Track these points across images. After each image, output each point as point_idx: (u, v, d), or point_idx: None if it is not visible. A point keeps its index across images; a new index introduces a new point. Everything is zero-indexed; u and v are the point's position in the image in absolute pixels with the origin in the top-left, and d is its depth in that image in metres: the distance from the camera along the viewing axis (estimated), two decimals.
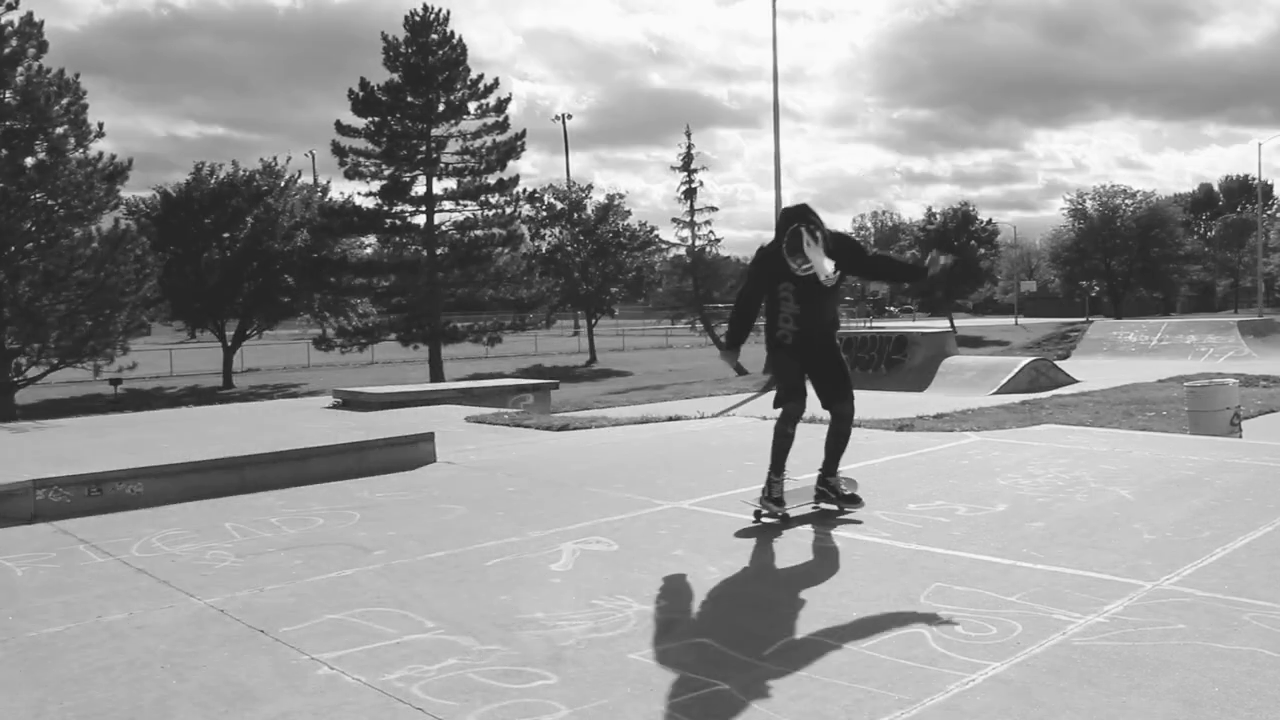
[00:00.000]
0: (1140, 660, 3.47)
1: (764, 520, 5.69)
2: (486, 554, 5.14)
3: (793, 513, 5.77)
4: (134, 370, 27.88)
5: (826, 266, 5.41)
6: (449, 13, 38.62)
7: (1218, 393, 10.93)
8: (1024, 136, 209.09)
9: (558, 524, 5.75)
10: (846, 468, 7.35)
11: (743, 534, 5.45)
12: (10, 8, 24.76)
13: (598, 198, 54.41)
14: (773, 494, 5.75)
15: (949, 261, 5.97)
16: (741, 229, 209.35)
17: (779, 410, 5.83)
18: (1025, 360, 19.77)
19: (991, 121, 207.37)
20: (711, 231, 39.20)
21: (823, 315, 5.77)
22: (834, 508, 5.87)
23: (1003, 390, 17.87)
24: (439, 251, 38.31)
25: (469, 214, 39.14)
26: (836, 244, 5.61)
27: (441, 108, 38.30)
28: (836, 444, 5.92)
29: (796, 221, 5.47)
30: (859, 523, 5.62)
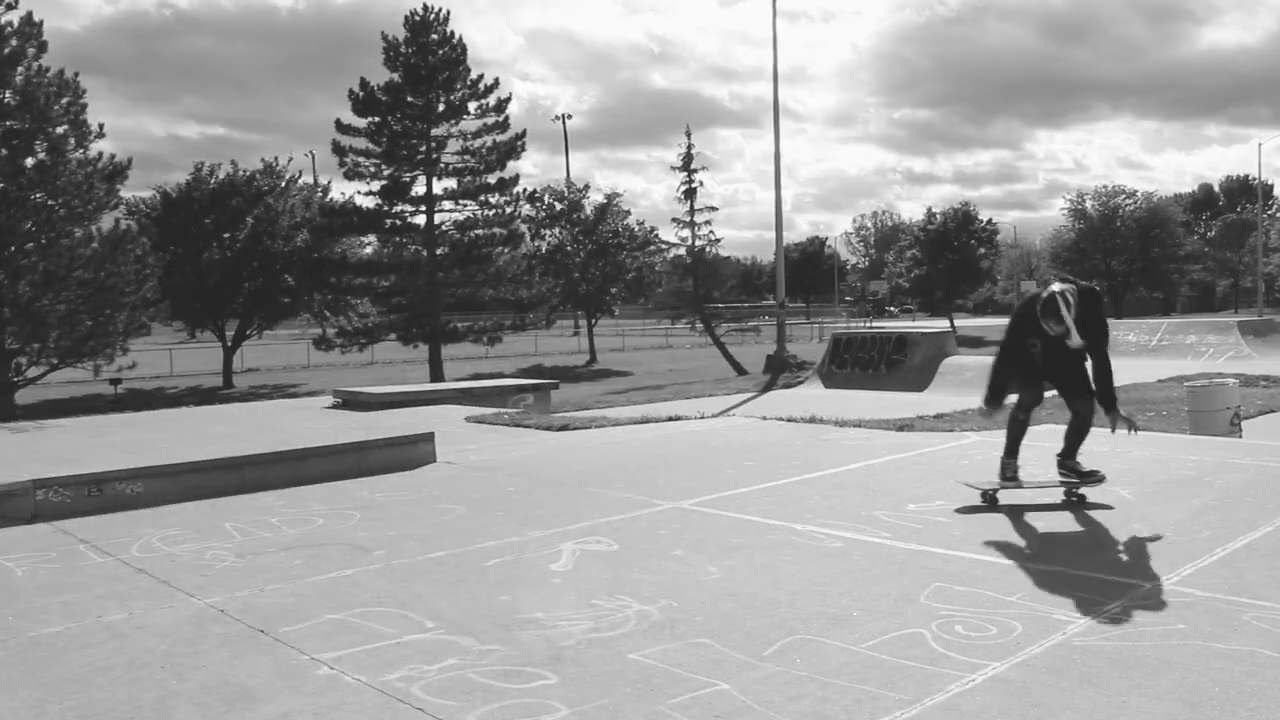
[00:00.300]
0: (1140, 660, 3.47)
1: (997, 498, 6.01)
2: (486, 554, 5.14)
3: (1027, 487, 6.14)
4: (134, 370, 27.86)
5: (1077, 339, 5.85)
6: (449, 13, 38.60)
7: (1218, 393, 10.93)
8: (1024, 136, 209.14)
9: (558, 524, 5.75)
10: (847, 467, 7.38)
11: (743, 534, 5.44)
12: (10, 7, 24.75)
13: (596, 197, 54.39)
14: (1007, 475, 6.20)
15: (1129, 429, 6.07)
16: (742, 229, 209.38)
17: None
18: None
19: (992, 121, 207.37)
20: (712, 231, 39.07)
21: (1067, 365, 6.12)
22: (1074, 481, 6.15)
23: None
24: (439, 251, 38.29)
25: (469, 214, 39.13)
26: (1082, 306, 5.90)
27: (441, 108, 38.28)
28: (1074, 435, 6.25)
29: (1057, 297, 5.86)
30: (863, 524, 5.62)
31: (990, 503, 6.00)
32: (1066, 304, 5.80)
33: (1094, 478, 6.14)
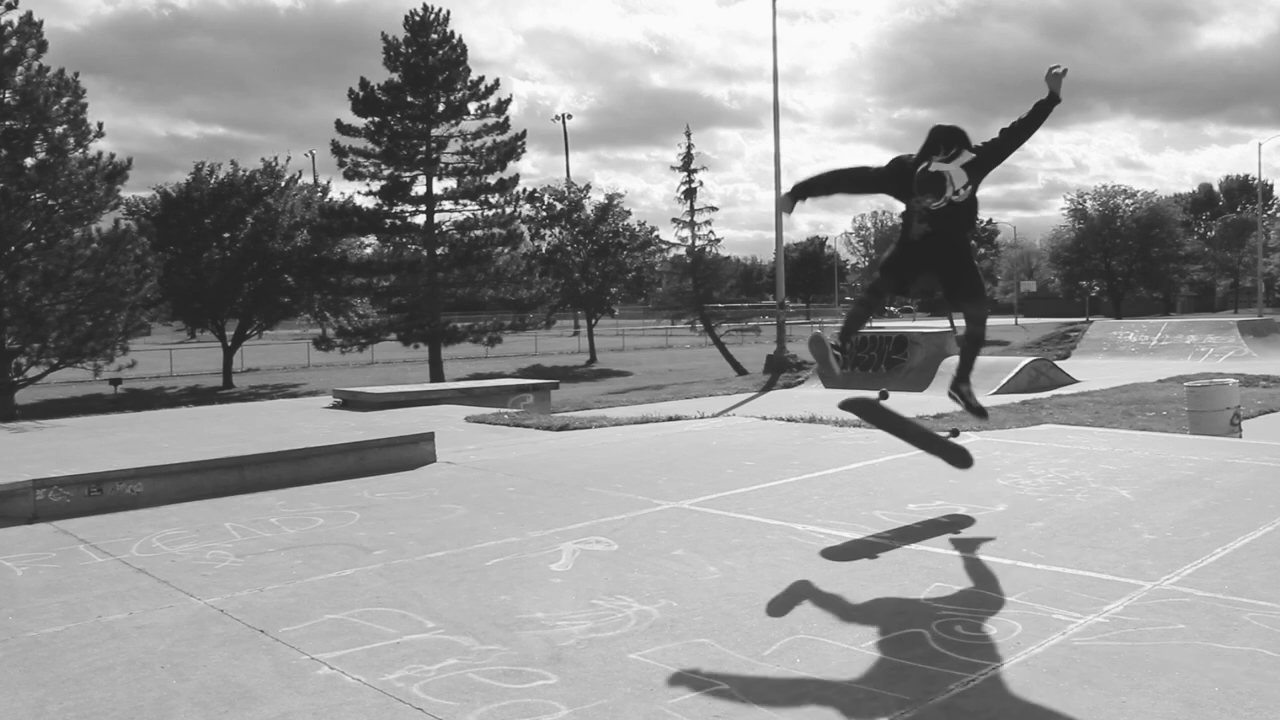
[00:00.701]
0: (1140, 660, 3.47)
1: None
2: (486, 554, 5.14)
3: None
4: (134, 370, 27.86)
5: (958, 181, 5.34)
6: (449, 13, 38.63)
7: (1218, 393, 10.93)
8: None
9: (558, 524, 5.75)
10: (847, 467, 7.37)
11: (743, 534, 5.44)
12: (10, 7, 24.77)
13: (596, 197, 54.38)
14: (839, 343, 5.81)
15: (1062, 69, 5.66)
16: (742, 229, 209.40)
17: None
18: (1025, 360, 19.79)
19: (992, 121, 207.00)
20: (711, 231, 39.11)
21: (957, 225, 5.55)
22: (959, 408, 5.90)
23: (1003, 390, 17.87)
24: (439, 251, 38.31)
25: (469, 214, 39.16)
26: (976, 158, 5.45)
27: (441, 108, 38.30)
28: (970, 348, 5.90)
29: (940, 147, 5.41)
30: (859, 522, 5.62)
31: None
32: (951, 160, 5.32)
33: (981, 415, 5.97)
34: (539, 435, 9.62)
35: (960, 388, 5.93)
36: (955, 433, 6.07)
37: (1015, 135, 5.61)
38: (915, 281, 5.83)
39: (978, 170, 5.47)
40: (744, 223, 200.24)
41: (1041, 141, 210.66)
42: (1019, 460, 7.49)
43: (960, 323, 5.81)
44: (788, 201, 5.81)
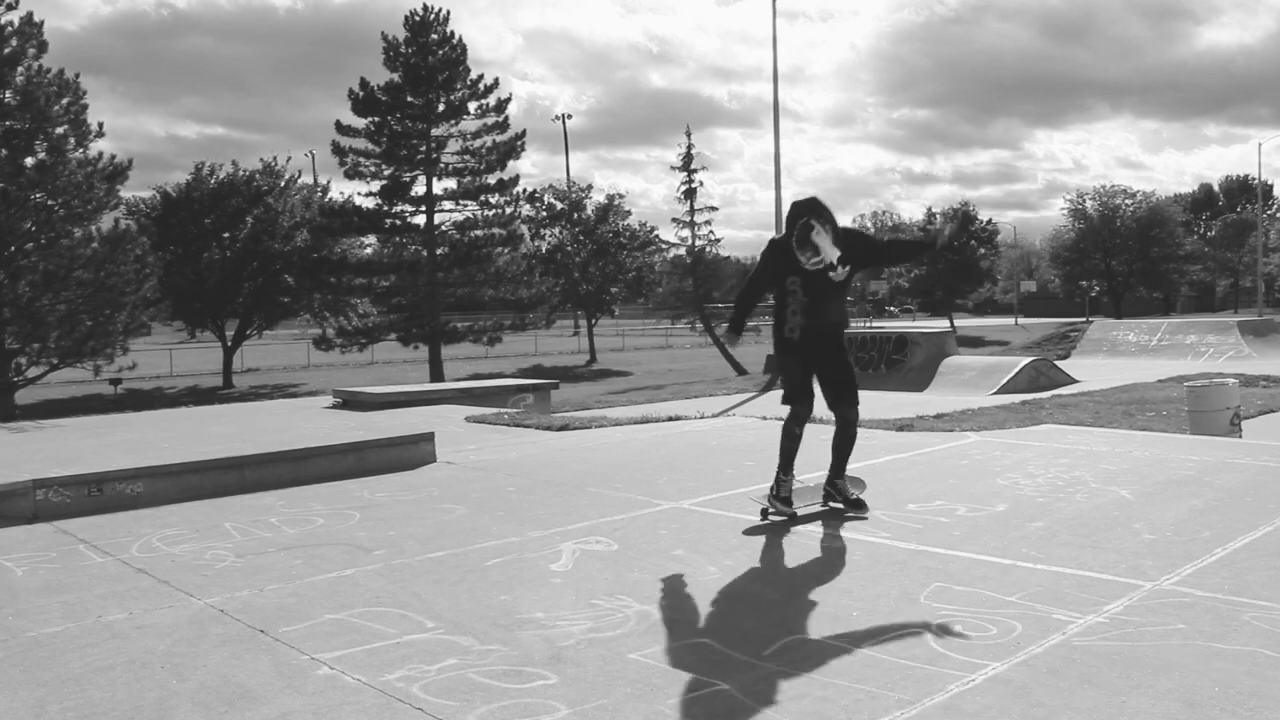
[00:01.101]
0: (1140, 660, 3.47)
1: (771, 519, 5.70)
2: (486, 554, 5.14)
3: (800, 512, 5.77)
4: (134, 370, 27.86)
5: (833, 254, 5.46)
6: (449, 13, 38.63)
7: (1218, 393, 10.93)
8: (1024, 136, 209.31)
9: (558, 524, 5.75)
10: (849, 467, 7.35)
11: (743, 534, 5.44)
12: (10, 7, 24.77)
13: (597, 198, 54.40)
14: (780, 493, 5.77)
15: (955, 228, 6.12)
16: (741, 229, 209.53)
17: (786, 409, 5.84)
18: (1025, 360, 19.79)
19: (991, 121, 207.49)
20: (711, 231, 39.18)
21: (830, 312, 5.72)
22: (841, 507, 5.89)
23: (1003, 390, 17.88)
24: (439, 251, 38.31)
25: (469, 214, 39.17)
26: (848, 239, 5.65)
27: (441, 108, 38.30)
28: (843, 446, 5.91)
29: (806, 215, 5.52)
30: (860, 522, 5.61)
31: (764, 517, 5.70)
32: (822, 227, 5.43)
33: (860, 508, 5.77)
34: (539, 435, 9.62)
35: (836, 483, 5.92)
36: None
37: (891, 257, 6.51)
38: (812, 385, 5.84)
39: (854, 262, 5.68)
40: (744, 223, 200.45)
41: (1041, 141, 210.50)
42: (1019, 460, 7.49)
43: (845, 411, 5.78)
44: (732, 337, 6.26)
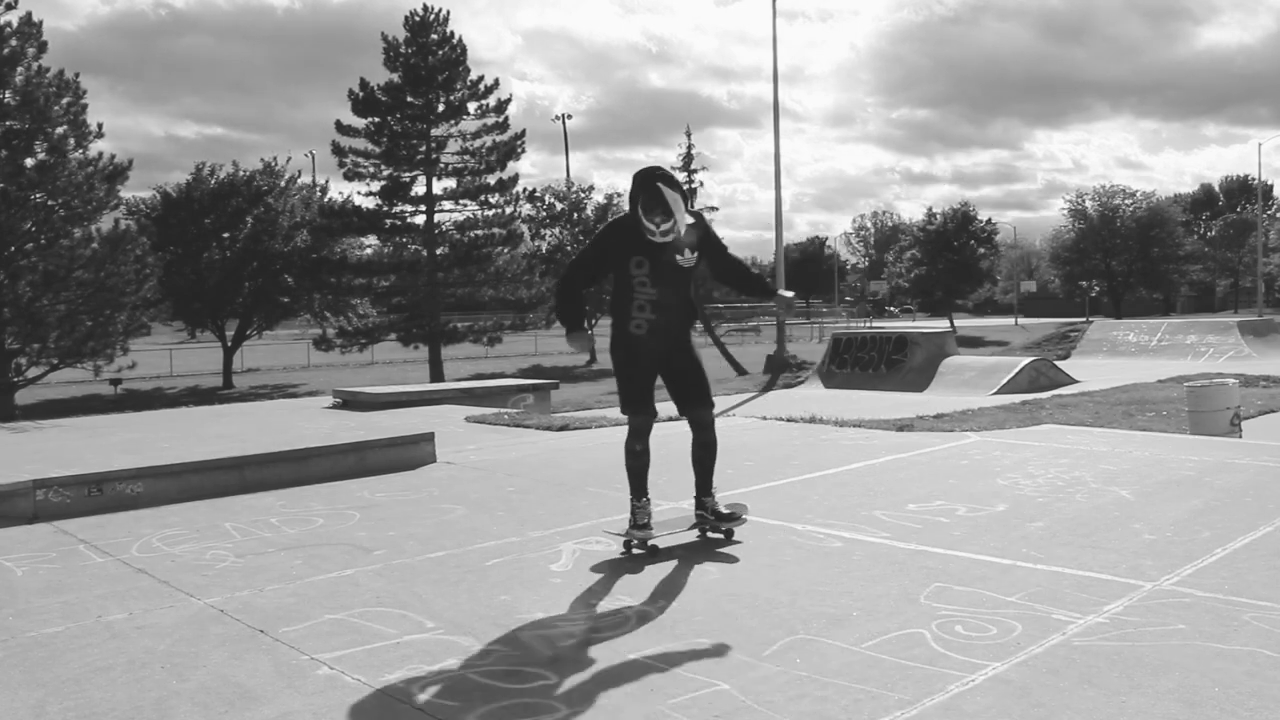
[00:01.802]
0: (1140, 660, 3.47)
1: (635, 550, 5.04)
2: (486, 554, 5.14)
3: (663, 543, 5.13)
4: (134, 370, 27.87)
5: (684, 221, 4.86)
6: (449, 13, 38.63)
7: (1218, 393, 10.93)
8: (1024, 136, 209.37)
9: (558, 524, 5.75)
10: (847, 467, 7.35)
11: (742, 534, 5.44)
12: (10, 7, 24.78)
13: (598, 198, 54.40)
14: (638, 520, 5.07)
15: (794, 304, 5.38)
16: (741, 229, 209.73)
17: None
18: (1025, 360, 19.79)
19: (991, 121, 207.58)
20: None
21: (682, 302, 5.08)
22: (719, 536, 5.25)
23: (1003, 390, 17.87)
24: (439, 251, 38.32)
25: (469, 214, 39.17)
26: (699, 223, 5.03)
27: (441, 108, 38.31)
28: (704, 457, 5.20)
29: (657, 181, 4.84)
30: (860, 522, 5.61)
31: (627, 550, 5.07)
32: (677, 192, 4.82)
33: (735, 518, 5.27)
34: (539, 435, 9.62)
35: (704, 500, 5.24)
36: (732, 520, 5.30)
37: (727, 269, 5.29)
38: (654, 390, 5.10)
39: (702, 250, 5.04)
40: (743, 223, 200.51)
41: (1041, 142, 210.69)
42: (1019, 460, 7.49)
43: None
44: (582, 341, 5.14)
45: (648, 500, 5.13)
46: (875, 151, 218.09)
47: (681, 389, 5.16)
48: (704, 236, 5.08)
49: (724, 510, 5.31)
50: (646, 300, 4.98)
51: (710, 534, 5.30)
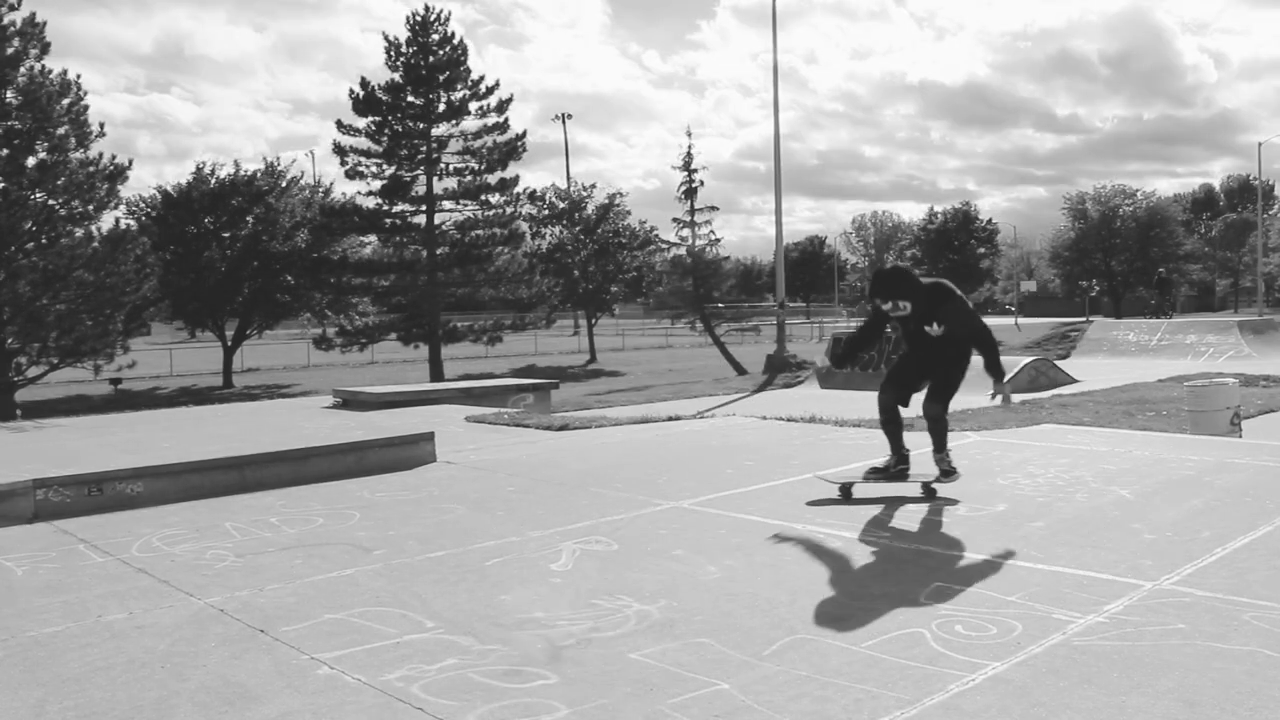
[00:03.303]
0: (1140, 660, 3.47)
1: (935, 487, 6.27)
2: (486, 554, 5.14)
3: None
4: (134, 370, 27.88)
5: (905, 309, 6.18)
6: (449, 13, 38.68)
7: (1218, 393, 10.93)
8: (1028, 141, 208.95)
9: (558, 524, 5.75)
10: (847, 468, 7.37)
11: (743, 534, 5.44)
12: (12, 8, 24.80)
13: (599, 197, 54.38)
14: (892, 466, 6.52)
15: (1003, 398, 6.43)
16: (741, 230, 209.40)
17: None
18: (1025, 360, 19.78)
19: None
20: (712, 231, 39.12)
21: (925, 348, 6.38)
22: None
23: None
24: (439, 251, 38.34)
25: (469, 214, 39.19)
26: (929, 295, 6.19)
27: (442, 107, 38.34)
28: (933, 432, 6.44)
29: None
30: (860, 522, 5.61)
31: (845, 496, 6.27)
32: (900, 281, 6.21)
33: (951, 476, 6.34)
34: (539, 435, 9.62)
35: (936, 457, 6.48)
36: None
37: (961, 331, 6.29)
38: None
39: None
40: (743, 223, 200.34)
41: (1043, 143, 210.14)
42: (1019, 460, 7.49)
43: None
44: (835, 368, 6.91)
45: (901, 455, 6.52)
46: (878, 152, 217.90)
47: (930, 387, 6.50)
48: (939, 307, 6.23)
49: (946, 467, 6.36)
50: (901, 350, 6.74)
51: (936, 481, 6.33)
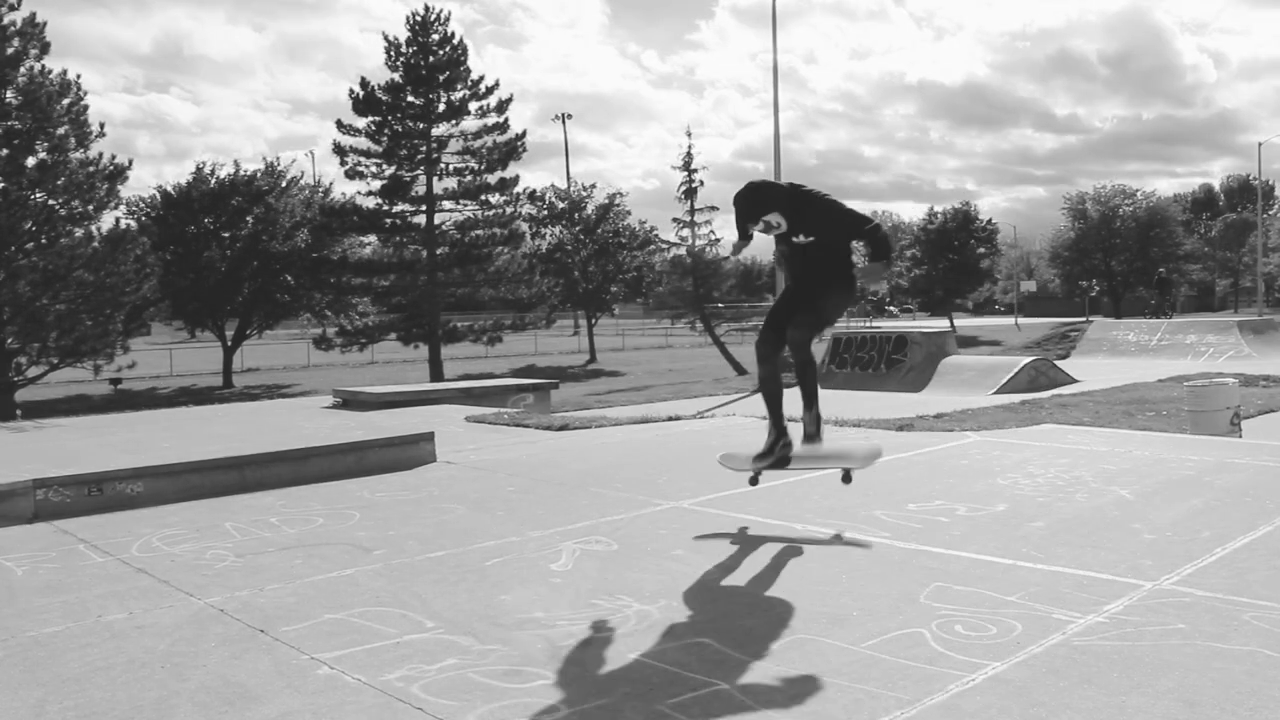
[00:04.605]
0: (1140, 660, 3.47)
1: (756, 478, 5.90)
2: (486, 554, 5.14)
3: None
4: (134, 370, 27.88)
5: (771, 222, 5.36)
6: (449, 13, 38.69)
7: (1218, 393, 10.93)
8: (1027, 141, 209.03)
9: (558, 524, 5.75)
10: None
11: (743, 534, 5.44)
12: (12, 8, 24.80)
13: (599, 197, 54.37)
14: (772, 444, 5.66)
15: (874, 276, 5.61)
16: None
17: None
18: (1025, 360, 19.78)
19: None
20: (712, 231, 39.18)
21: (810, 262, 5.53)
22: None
23: (1003, 390, 17.87)
24: (439, 251, 38.34)
25: (469, 214, 39.19)
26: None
27: (442, 108, 38.35)
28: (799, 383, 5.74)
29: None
30: (860, 522, 5.61)
31: (752, 483, 6.00)
32: (764, 193, 5.32)
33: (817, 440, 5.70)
34: (539, 435, 9.61)
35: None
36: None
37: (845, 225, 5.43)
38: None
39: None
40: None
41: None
42: (1019, 460, 7.49)
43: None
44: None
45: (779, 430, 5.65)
46: (883, 152, 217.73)
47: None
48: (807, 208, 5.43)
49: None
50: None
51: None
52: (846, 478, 5.85)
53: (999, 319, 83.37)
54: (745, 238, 5.50)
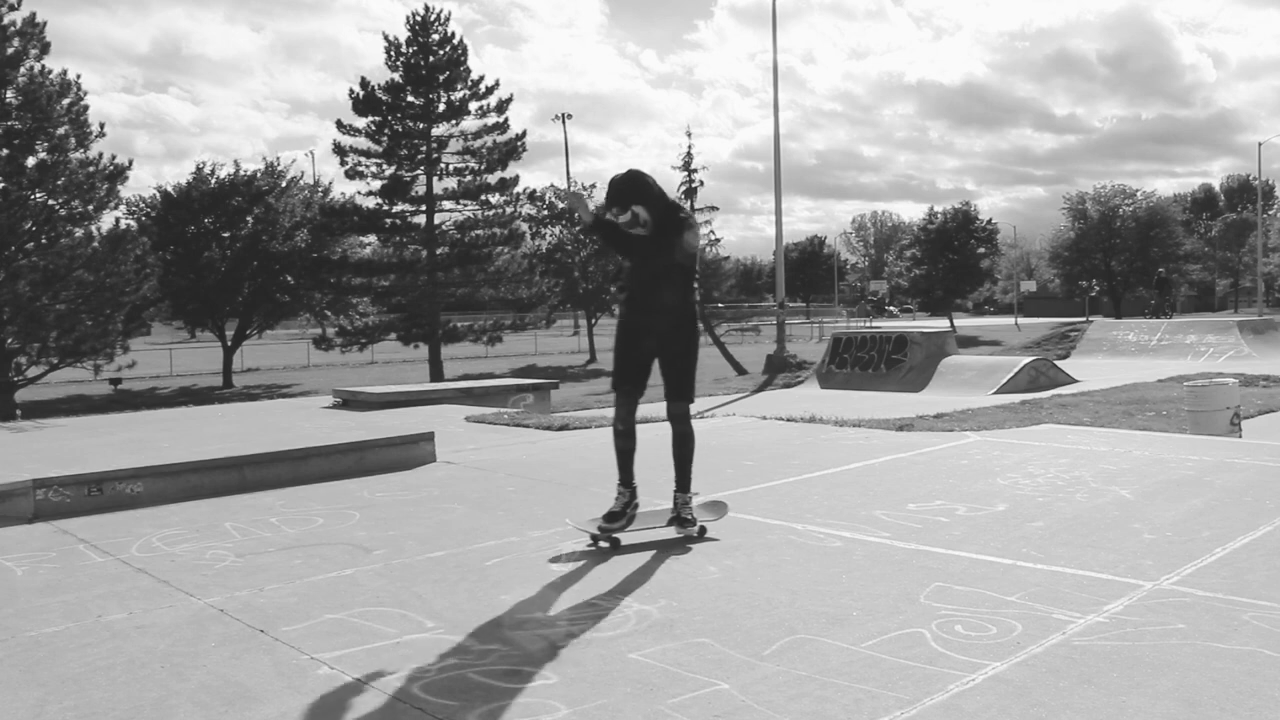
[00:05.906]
0: (1140, 660, 3.47)
1: (605, 541, 5.21)
2: (486, 554, 5.14)
3: (628, 539, 5.25)
4: (134, 370, 27.89)
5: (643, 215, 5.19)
6: (449, 13, 38.70)
7: (1218, 393, 10.93)
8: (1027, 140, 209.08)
9: (558, 524, 5.75)
10: (847, 467, 7.35)
11: (743, 534, 5.44)
12: (12, 8, 24.81)
13: (599, 197, 54.38)
14: (614, 509, 5.33)
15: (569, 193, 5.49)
16: (741, 230, 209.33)
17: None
18: (1025, 360, 19.79)
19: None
20: (712, 231, 39.23)
21: (656, 284, 5.41)
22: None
23: (1002, 390, 17.88)
24: (439, 251, 38.35)
25: (469, 214, 39.20)
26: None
27: (442, 108, 38.36)
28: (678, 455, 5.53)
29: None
30: (860, 522, 5.61)
31: (594, 544, 5.22)
32: (640, 185, 5.18)
33: (689, 525, 5.38)
34: (539, 435, 9.61)
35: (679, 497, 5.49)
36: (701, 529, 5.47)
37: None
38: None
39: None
40: (743, 223, 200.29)
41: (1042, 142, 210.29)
42: (1019, 460, 7.49)
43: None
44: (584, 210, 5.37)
45: (628, 491, 5.42)
46: (889, 152, 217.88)
47: (667, 381, 5.52)
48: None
49: (689, 515, 5.46)
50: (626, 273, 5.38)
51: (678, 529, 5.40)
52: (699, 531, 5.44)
53: (995, 319, 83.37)
54: (601, 218, 5.28)
